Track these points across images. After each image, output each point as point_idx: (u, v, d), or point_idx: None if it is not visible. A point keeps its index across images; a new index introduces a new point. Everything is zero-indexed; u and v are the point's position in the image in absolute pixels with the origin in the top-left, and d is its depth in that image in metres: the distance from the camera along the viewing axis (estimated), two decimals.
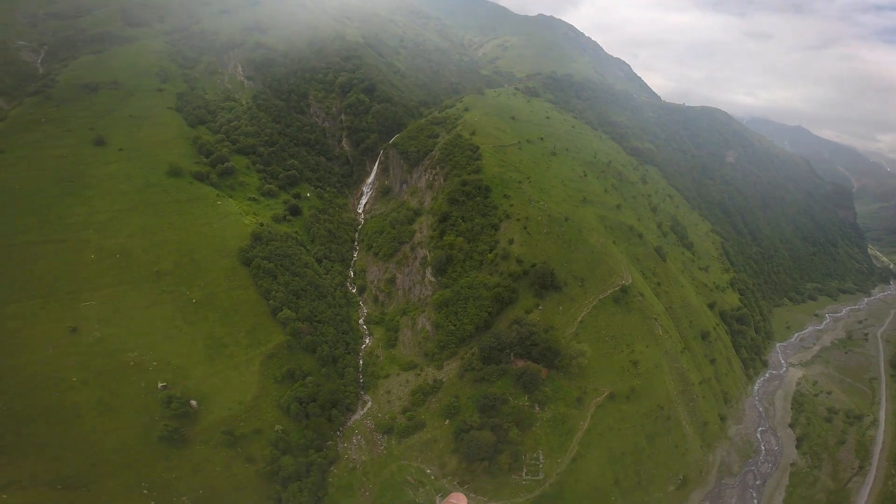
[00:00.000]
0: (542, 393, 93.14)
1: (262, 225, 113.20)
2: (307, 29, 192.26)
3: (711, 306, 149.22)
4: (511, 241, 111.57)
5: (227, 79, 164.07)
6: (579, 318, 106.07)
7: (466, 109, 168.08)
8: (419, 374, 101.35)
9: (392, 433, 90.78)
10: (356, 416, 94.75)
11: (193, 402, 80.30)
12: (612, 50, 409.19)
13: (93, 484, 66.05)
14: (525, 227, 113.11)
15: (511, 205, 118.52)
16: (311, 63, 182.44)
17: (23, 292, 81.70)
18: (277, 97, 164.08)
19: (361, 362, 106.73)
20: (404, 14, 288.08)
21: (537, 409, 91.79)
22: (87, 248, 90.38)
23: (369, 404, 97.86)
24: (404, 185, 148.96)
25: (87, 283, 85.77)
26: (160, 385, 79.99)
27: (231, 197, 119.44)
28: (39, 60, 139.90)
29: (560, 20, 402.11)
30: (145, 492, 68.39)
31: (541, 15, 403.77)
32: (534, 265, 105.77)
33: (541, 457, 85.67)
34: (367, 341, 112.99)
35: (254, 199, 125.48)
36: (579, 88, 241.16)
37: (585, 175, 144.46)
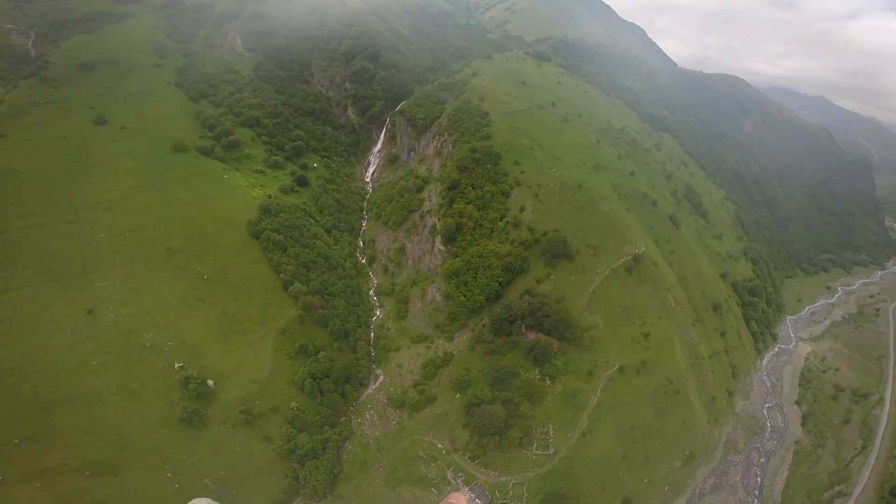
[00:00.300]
0: (553, 366, 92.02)
1: (270, 197, 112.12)
2: None
3: (724, 276, 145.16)
4: (522, 209, 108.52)
5: (226, 51, 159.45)
6: (591, 289, 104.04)
7: (475, 75, 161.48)
8: (430, 347, 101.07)
9: (404, 407, 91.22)
10: (368, 391, 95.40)
11: (210, 382, 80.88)
12: (626, 15, 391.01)
13: (119, 469, 67.14)
14: (536, 195, 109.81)
15: (522, 172, 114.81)
16: (312, 31, 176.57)
17: (38, 276, 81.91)
18: (279, 67, 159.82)
19: (373, 335, 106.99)
20: None
21: (548, 382, 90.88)
22: (97, 227, 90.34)
23: (381, 378, 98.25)
24: (412, 153, 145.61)
25: (99, 263, 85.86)
26: (177, 365, 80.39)
27: (237, 170, 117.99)
28: (30, 43, 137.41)
29: None
30: (169, 475, 69.18)
31: None
32: (545, 233, 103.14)
33: (551, 431, 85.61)
34: (378, 313, 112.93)
35: (260, 172, 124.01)
36: (592, 53, 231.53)
37: (598, 142, 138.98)
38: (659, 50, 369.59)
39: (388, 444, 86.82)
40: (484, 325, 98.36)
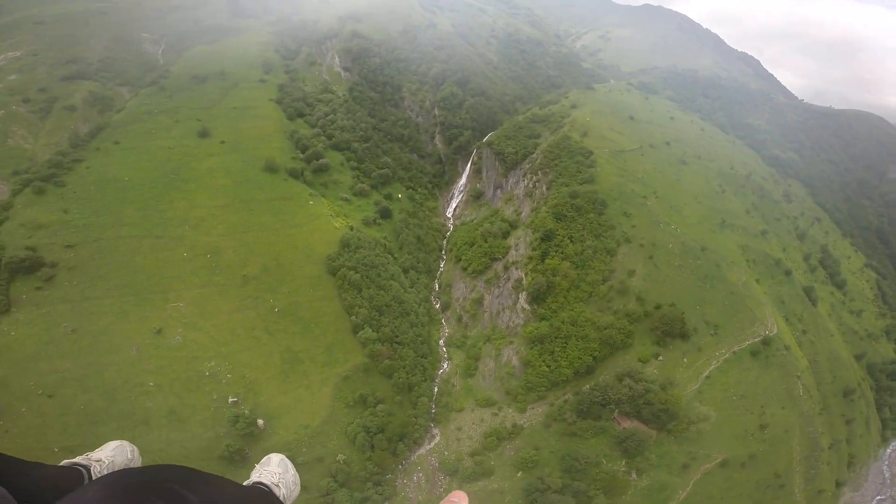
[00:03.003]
0: (646, 459, 77.44)
1: (351, 229, 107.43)
2: (400, 17, 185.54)
3: (860, 357, 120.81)
4: (631, 273, 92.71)
5: (324, 70, 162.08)
6: (706, 373, 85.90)
7: (574, 106, 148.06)
8: (496, 415, 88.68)
9: (456, 475, 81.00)
10: (421, 451, 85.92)
11: (261, 422, 75.88)
12: (735, 43, 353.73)
13: None
14: (651, 257, 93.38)
15: (633, 226, 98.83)
16: (404, 53, 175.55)
17: (118, 288, 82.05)
18: (372, 89, 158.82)
19: (436, 390, 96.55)
20: (492, 3, 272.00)
21: (634, 476, 76.91)
22: (181, 245, 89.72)
23: (437, 439, 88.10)
24: (498, 191, 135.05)
25: (176, 283, 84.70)
26: (231, 399, 76.25)
27: (324, 196, 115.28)
28: (160, 52, 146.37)
29: (669, 10, 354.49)
30: None
31: (647, 4, 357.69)
32: (659, 306, 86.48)
33: None
34: (445, 366, 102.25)
35: (345, 200, 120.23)
36: (706, 85, 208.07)
37: (723, 191, 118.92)
38: (777, 82, 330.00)
39: None
40: (566, 403, 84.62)
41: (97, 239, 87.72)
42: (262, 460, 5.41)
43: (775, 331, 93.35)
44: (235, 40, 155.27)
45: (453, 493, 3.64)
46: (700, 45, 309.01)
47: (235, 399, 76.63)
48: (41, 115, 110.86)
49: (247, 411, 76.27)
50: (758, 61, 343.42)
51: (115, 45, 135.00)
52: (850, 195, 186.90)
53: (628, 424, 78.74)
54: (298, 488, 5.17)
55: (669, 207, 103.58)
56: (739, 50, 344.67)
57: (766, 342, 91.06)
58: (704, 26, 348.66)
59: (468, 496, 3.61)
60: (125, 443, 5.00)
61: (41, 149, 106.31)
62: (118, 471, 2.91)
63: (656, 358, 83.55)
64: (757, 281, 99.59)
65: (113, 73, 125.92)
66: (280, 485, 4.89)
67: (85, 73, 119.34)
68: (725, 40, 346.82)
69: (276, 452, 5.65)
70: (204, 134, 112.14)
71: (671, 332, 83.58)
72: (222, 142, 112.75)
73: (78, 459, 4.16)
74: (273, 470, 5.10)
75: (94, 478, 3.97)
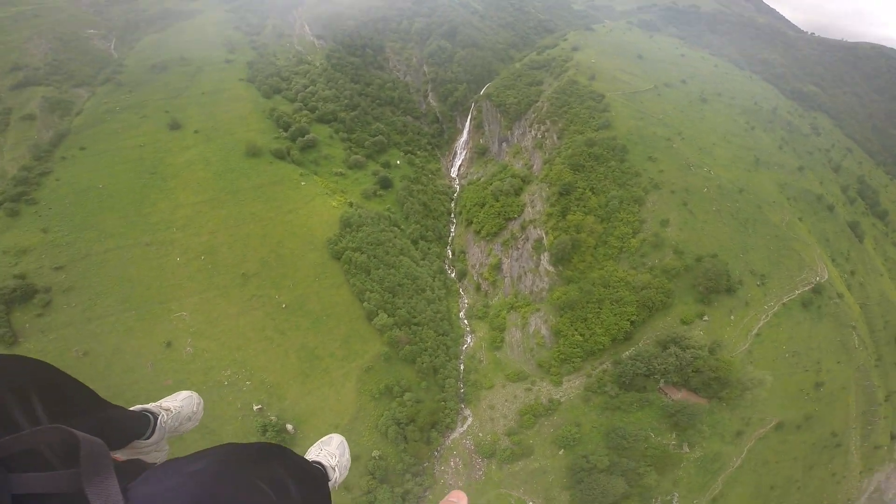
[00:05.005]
0: (697, 430, 71.82)
1: (351, 205, 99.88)
2: None
3: None
4: (665, 223, 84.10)
5: (296, 40, 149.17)
6: (755, 330, 79.25)
7: (575, 49, 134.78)
8: (530, 390, 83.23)
9: (493, 457, 77.20)
10: (455, 435, 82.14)
11: (290, 427, 72.17)
12: None
13: None
14: (685, 203, 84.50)
15: (660, 171, 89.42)
16: (381, 11, 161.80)
17: (119, 304, 76.91)
18: (352, 54, 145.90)
19: (462, 367, 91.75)
20: None
21: (686, 449, 71.70)
22: (172, 249, 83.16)
23: (469, 420, 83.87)
24: (504, 145, 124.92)
25: (176, 291, 79.07)
26: (255, 407, 72.20)
27: (316, 174, 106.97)
28: (112, 47, 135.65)
29: None
30: None
31: None
32: (699, 259, 78.44)
33: (675, 500, 69.07)
34: (469, 340, 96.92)
35: (340, 174, 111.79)
36: (711, 21, 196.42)
37: (753, 128, 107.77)
38: (782, 17, 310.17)
39: (472, 496, 73.94)
40: (605, 373, 78.90)
41: (85, 255, 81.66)
42: (324, 439, 5.39)
43: (826, 276, 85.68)
44: (189, 23, 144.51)
45: (452, 493, 3.60)
46: None
47: (260, 406, 72.86)
48: (0, 128, 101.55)
49: (273, 418, 72.72)
50: None
51: (60, 45, 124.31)
52: (879, 124, 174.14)
53: (678, 396, 72.88)
54: (347, 473, 5.14)
55: (698, 149, 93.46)
56: None
57: (818, 290, 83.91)
58: None
59: (466, 497, 3.63)
60: (194, 394, 4.91)
61: (8, 164, 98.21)
62: (229, 445, 2.81)
63: (701, 318, 76.58)
64: (800, 219, 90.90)
65: (64, 74, 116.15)
66: (336, 468, 4.89)
67: (34, 78, 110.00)
68: None
69: (338, 434, 5.42)
70: (175, 126, 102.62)
71: (716, 287, 75.94)
72: (196, 131, 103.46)
73: (149, 406, 4.13)
74: (332, 451, 5.09)
75: (160, 425, 3.90)
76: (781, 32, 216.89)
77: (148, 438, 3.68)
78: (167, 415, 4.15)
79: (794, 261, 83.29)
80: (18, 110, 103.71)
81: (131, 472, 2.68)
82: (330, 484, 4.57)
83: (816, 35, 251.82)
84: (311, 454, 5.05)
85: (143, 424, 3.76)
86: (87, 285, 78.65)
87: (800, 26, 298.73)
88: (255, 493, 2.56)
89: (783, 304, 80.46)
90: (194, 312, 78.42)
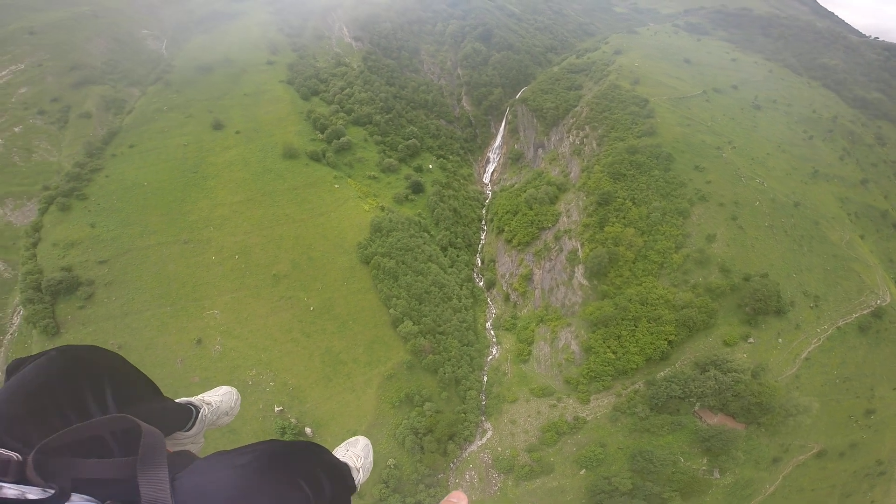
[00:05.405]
0: (731, 456, 67.60)
1: (382, 209, 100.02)
2: None
3: None
4: (711, 238, 79.06)
5: (334, 42, 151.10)
6: (804, 354, 73.26)
7: (617, 53, 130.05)
8: (555, 406, 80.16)
9: (511, 473, 74.85)
10: (473, 448, 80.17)
11: (308, 431, 72.75)
12: None
13: None
14: (734, 217, 79.09)
15: (708, 182, 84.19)
16: (416, 13, 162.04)
17: (155, 299, 79.63)
18: (388, 56, 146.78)
19: (486, 379, 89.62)
20: None
21: (717, 475, 67.75)
22: (209, 248, 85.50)
23: (489, 434, 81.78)
24: (540, 151, 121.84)
25: (210, 290, 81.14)
26: (277, 408, 73.14)
27: (350, 177, 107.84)
28: (164, 47, 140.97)
29: None
30: None
31: None
32: (748, 278, 73.01)
33: None
34: (495, 352, 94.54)
35: (373, 178, 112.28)
36: (764, 24, 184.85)
37: (811, 137, 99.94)
38: (841, 21, 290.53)
39: None
40: (637, 394, 75.04)
41: (127, 251, 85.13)
42: (351, 440, 5.42)
43: (888, 300, 78.16)
44: (234, 25, 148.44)
45: (452, 493, 3.65)
46: None
47: (281, 408, 73.53)
48: (59, 125, 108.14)
49: (293, 420, 73.47)
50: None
51: (116, 45, 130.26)
52: None
53: (713, 420, 68.45)
54: (368, 475, 5.14)
55: (750, 159, 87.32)
56: None
57: (878, 314, 77.06)
58: None
59: (466, 497, 3.67)
60: (233, 390, 5.09)
61: (66, 160, 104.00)
62: (273, 441, 2.95)
63: (746, 340, 71.26)
64: (861, 237, 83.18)
65: (119, 74, 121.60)
66: (360, 470, 4.93)
67: (92, 77, 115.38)
68: None
69: (364, 436, 5.43)
70: (218, 126, 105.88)
71: (764, 308, 70.36)
72: (237, 132, 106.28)
73: (193, 399, 4.27)
74: (358, 453, 5.13)
75: (201, 418, 4.09)
76: (842, 36, 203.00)
77: (188, 430, 3.86)
78: (208, 409, 4.30)
79: (853, 282, 76.39)
80: (77, 108, 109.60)
81: (180, 463, 2.81)
82: (353, 484, 4.51)
83: (880, 40, 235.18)
84: (338, 454, 5.01)
85: (186, 417, 3.92)
86: (127, 280, 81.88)
87: (861, 31, 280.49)
88: (293, 489, 2.66)
89: (837, 327, 74.12)
90: (225, 311, 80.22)
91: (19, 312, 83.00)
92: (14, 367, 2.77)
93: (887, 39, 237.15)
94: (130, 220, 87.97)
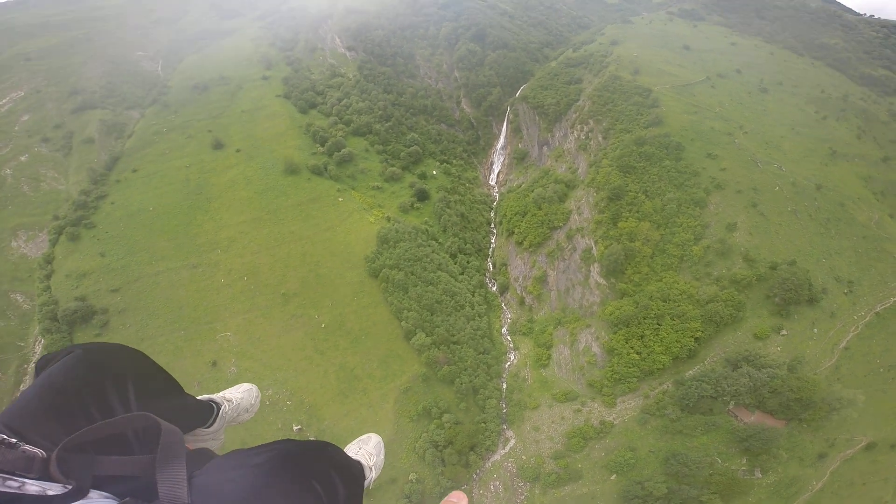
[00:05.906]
0: (772, 455, 64.65)
1: (388, 220, 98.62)
2: None
3: None
4: (732, 227, 76.09)
5: (328, 54, 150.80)
6: (843, 344, 69.88)
7: (615, 43, 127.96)
8: (579, 411, 77.68)
9: (537, 481, 72.55)
10: (496, 457, 78.04)
11: None
12: None
13: None
14: (754, 204, 76.09)
15: (722, 169, 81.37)
16: (408, 19, 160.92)
17: (168, 324, 79.41)
18: (382, 63, 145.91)
19: (505, 386, 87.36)
20: None
21: (758, 475, 64.77)
22: (217, 271, 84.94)
23: (512, 442, 79.49)
24: (545, 148, 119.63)
25: (221, 312, 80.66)
26: (295, 427, 72.35)
27: (353, 188, 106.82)
28: (159, 68, 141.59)
29: None
30: None
31: None
32: (774, 266, 69.92)
33: None
34: (512, 358, 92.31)
35: (377, 188, 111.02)
36: (759, 7, 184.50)
37: (824, 117, 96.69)
38: (833, 0, 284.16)
39: None
40: (665, 394, 72.34)
41: (137, 278, 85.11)
42: (363, 437, 5.43)
43: None
44: (227, 42, 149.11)
45: (452, 493, 3.71)
46: None
47: (299, 427, 72.55)
48: (64, 152, 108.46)
49: (312, 438, 72.26)
50: None
51: (112, 68, 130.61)
52: None
53: (750, 419, 65.56)
54: (380, 473, 5.21)
55: (764, 143, 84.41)
56: None
57: None
58: None
59: (466, 498, 3.69)
60: (254, 387, 5.16)
61: (72, 187, 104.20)
62: (288, 441, 2.96)
63: (778, 332, 68.17)
64: (891, 216, 79.58)
65: (118, 97, 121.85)
66: (372, 468, 4.97)
67: (91, 101, 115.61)
68: None
69: (376, 433, 5.48)
70: (218, 145, 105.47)
71: (795, 297, 67.23)
72: (238, 150, 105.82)
73: (214, 396, 4.35)
74: (370, 451, 5.16)
75: (221, 415, 4.11)
76: (837, 15, 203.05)
77: (209, 427, 3.87)
78: (229, 406, 4.29)
79: (888, 264, 73.00)
80: (79, 133, 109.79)
81: (198, 461, 2.84)
82: (365, 483, 4.44)
83: (877, 17, 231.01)
84: (350, 451, 4.97)
85: (207, 413, 3.94)
86: (139, 306, 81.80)
87: (855, 9, 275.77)
88: (306, 490, 2.70)
89: (876, 313, 70.70)
90: (238, 332, 79.50)
91: (40, 342, 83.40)
92: (43, 364, 2.86)
93: (883, 16, 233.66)
94: (138, 247, 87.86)
